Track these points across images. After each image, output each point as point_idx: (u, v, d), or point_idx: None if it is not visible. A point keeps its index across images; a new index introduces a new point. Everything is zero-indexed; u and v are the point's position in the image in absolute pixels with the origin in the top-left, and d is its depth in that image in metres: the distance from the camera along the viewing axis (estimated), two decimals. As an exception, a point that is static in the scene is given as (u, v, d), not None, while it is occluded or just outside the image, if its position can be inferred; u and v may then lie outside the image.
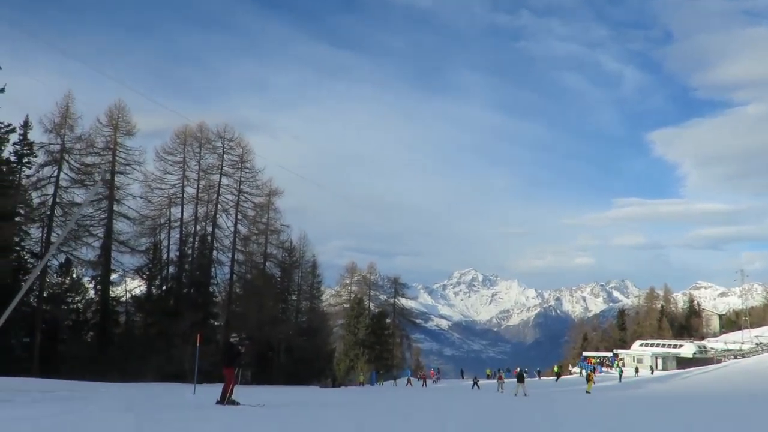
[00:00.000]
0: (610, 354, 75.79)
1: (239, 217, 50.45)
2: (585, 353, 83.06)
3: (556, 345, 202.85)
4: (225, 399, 14.51)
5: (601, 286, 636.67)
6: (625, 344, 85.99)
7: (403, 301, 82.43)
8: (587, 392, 33.78)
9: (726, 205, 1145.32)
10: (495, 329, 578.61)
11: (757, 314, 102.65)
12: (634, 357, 70.33)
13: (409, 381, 52.63)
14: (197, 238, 48.07)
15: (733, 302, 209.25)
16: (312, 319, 57.18)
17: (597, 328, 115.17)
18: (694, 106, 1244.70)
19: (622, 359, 71.04)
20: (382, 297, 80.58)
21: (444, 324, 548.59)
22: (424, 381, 51.71)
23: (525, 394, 29.36)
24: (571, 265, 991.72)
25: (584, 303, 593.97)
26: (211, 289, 48.66)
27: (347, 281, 78.03)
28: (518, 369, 45.19)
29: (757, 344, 63.04)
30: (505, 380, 37.89)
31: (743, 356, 57.61)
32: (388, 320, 75.95)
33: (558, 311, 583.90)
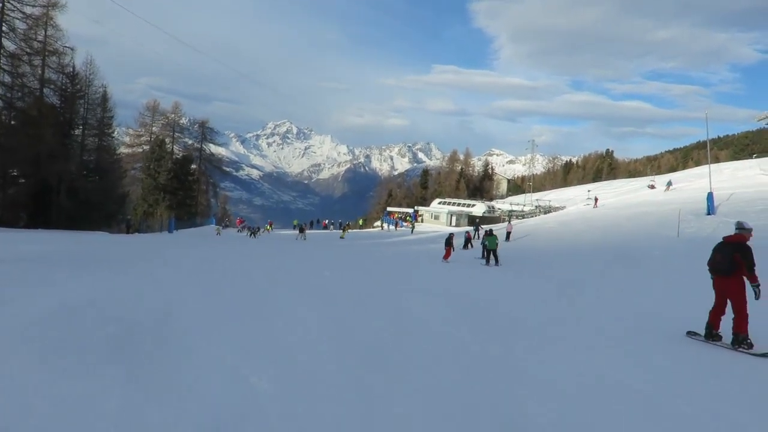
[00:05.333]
0: (411, 210, 79.76)
1: (5, 29, 40.41)
2: (389, 208, 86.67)
3: (362, 199, 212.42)
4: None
5: (408, 147, 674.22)
6: (426, 202, 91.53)
7: (211, 147, 77.31)
8: (341, 237, 44.79)
9: (527, 80, 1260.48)
10: (306, 181, 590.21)
11: (538, 181, 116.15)
12: (432, 213, 74.88)
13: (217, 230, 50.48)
14: (-58, 50, 37.76)
15: (518, 170, 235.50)
16: (101, 158, 50.11)
17: (402, 185, 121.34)
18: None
19: (421, 215, 75.62)
20: (189, 141, 74.57)
21: (255, 174, 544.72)
22: (219, 230, 49.73)
23: (304, 239, 39.83)
24: (384, 125, 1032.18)
25: (392, 162, 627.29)
26: (-31, 117, 39.53)
27: (148, 121, 70.10)
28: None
29: (536, 207, 70.55)
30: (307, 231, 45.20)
31: (524, 217, 64.07)
32: (193, 166, 70.85)
33: (367, 168, 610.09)
